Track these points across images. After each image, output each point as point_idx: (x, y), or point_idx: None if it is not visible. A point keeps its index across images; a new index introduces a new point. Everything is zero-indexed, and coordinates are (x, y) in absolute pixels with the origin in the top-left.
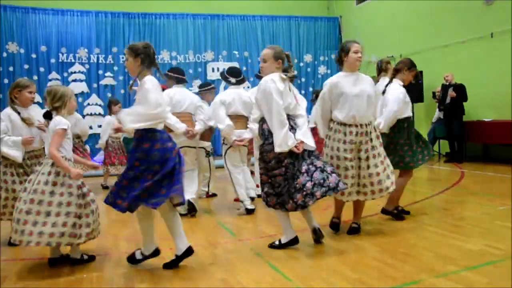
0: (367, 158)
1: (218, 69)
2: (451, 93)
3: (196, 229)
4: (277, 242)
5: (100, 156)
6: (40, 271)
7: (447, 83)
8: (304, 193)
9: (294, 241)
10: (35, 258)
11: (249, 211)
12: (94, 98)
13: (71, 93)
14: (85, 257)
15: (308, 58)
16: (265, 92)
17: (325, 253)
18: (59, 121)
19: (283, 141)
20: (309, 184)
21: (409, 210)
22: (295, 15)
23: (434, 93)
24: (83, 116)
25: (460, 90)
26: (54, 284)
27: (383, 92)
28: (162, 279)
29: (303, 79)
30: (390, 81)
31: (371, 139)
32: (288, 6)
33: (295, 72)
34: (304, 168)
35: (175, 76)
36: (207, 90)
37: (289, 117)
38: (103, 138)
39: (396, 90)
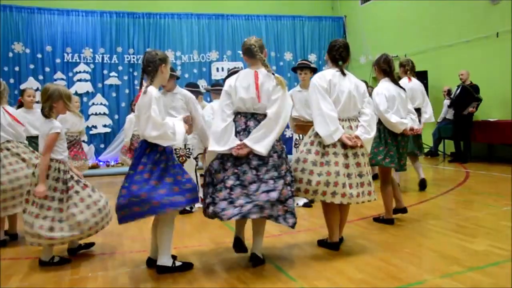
0: None
1: (222, 69)
2: (471, 109)
3: (201, 229)
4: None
5: (105, 155)
6: (45, 270)
7: (463, 82)
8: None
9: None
10: (39, 257)
11: None
12: (99, 98)
13: (61, 95)
14: (57, 259)
15: (312, 57)
16: None
17: (329, 253)
18: (53, 124)
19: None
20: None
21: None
22: (300, 14)
23: (449, 90)
24: (88, 116)
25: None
26: (59, 283)
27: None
28: (166, 279)
29: None
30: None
31: None
32: (292, 6)
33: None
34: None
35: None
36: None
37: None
38: (128, 136)
39: None
